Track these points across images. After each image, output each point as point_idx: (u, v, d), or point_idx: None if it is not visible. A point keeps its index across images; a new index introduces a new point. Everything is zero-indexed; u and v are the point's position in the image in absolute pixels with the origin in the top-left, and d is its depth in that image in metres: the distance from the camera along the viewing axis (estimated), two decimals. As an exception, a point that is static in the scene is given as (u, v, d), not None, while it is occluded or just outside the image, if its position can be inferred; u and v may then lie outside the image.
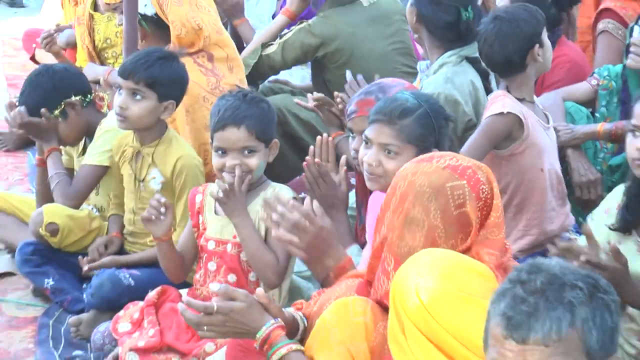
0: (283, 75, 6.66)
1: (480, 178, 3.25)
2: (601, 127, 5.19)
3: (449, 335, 2.91)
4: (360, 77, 5.18)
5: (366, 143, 4.08)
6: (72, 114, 5.45)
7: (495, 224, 3.26)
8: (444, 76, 5.08)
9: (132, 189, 5.22)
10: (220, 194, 4.40)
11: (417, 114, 4.03)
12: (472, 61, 5.20)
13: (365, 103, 4.42)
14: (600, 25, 5.96)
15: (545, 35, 4.86)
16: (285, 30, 6.30)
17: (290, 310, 3.64)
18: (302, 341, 3.55)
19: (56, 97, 5.42)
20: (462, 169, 3.26)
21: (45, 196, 5.46)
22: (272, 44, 6.11)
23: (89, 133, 5.50)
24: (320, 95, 5.26)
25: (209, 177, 5.21)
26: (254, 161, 4.43)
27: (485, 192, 3.24)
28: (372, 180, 4.06)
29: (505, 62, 4.82)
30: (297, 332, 3.58)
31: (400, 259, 3.25)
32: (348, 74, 5.21)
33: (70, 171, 5.55)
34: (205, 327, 3.40)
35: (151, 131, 5.12)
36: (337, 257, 3.85)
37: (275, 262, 4.40)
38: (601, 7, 6.04)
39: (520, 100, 4.82)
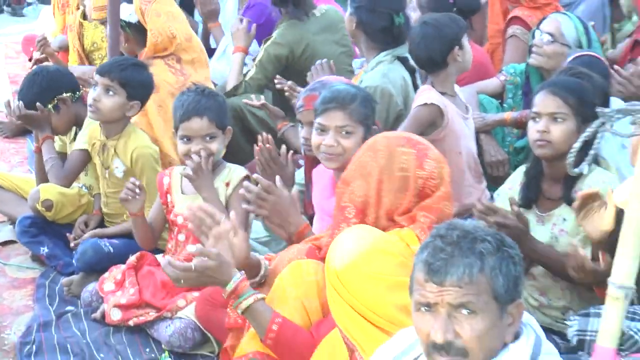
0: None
1: (429, 155, 3.28)
2: (508, 115, 5.24)
3: (357, 301, 2.96)
4: (325, 60, 5.27)
5: (322, 130, 4.06)
6: (63, 107, 5.41)
7: (445, 196, 3.28)
8: (381, 72, 5.07)
9: (102, 176, 5.25)
10: (190, 172, 4.40)
11: (361, 98, 4.06)
12: (402, 60, 5.20)
13: (310, 98, 4.40)
14: (510, 30, 5.99)
15: (465, 40, 4.88)
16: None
17: (256, 255, 3.73)
18: (262, 285, 3.63)
19: (50, 93, 5.37)
20: (417, 142, 3.32)
21: (41, 177, 5.42)
22: (249, 70, 5.98)
23: (78, 123, 5.45)
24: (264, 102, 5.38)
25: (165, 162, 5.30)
26: (214, 146, 4.47)
27: (430, 168, 3.25)
28: (331, 160, 4.06)
29: (429, 59, 4.82)
30: (257, 275, 3.64)
31: (356, 206, 3.30)
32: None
33: (63, 155, 5.49)
34: (182, 281, 3.45)
35: (115, 126, 5.12)
36: (297, 224, 3.87)
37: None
38: (511, 15, 6.08)
39: (443, 93, 4.83)
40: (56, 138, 5.55)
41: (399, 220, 3.24)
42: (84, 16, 7.19)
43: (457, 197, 4.76)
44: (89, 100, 5.02)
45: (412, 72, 5.21)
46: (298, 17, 5.97)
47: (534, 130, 3.89)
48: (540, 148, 3.87)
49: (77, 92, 5.47)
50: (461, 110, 4.90)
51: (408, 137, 3.36)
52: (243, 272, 3.48)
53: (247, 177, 4.51)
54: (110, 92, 5.00)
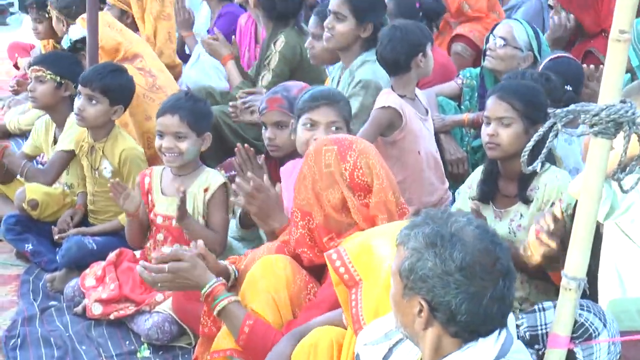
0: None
1: (353, 148, 3.31)
2: (466, 116, 5.26)
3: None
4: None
5: (311, 126, 4.07)
6: (60, 90, 5.44)
7: (386, 188, 3.30)
8: (371, 69, 5.05)
9: (90, 176, 5.22)
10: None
11: (344, 97, 4.18)
12: None
13: (273, 100, 4.45)
14: (453, 48, 6.06)
15: (429, 49, 4.87)
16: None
17: (224, 262, 3.65)
18: (233, 287, 3.57)
19: (64, 69, 5.45)
20: (342, 139, 3.37)
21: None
22: (264, 75, 5.90)
23: (52, 109, 5.48)
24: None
25: (151, 160, 5.26)
26: (183, 145, 4.46)
27: (352, 159, 3.27)
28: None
29: (394, 62, 4.81)
30: (228, 279, 3.59)
31: (301, 209, 3.37)
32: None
33: (32, 158, 5.62)
34: (159, 284, 3.42)
35: (102, 129, 5.10)
36: (280, 221, 3.86)
37: (215, 237, 4.43)
38: (454, 33, 6.14)
39: (402, 96, 4.81)
40: (30, 141, 5.63)
41: (359, 222, 3.27)
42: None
43: (418, 195, 4.79)
44: (75, 110, 5.02)
45: None
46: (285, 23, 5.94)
47: (484, 133, 3.93)
48: (490, 150, 3.90)
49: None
50: (420, 113, 4.89)
51: (336, 136, 3.41)
52: (221, 278, 3.45)
53: (225, 185, 4.52)
54: (94, 101, 4.98)
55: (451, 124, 5.26)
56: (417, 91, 5.01)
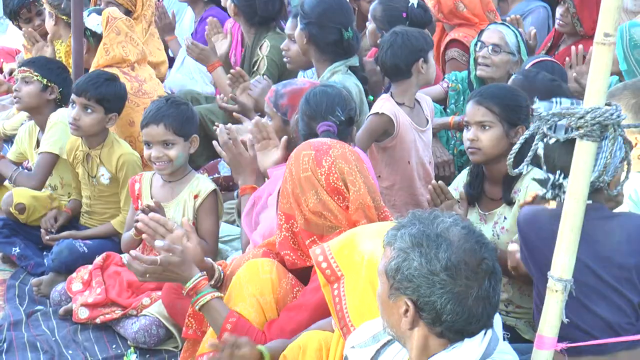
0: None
1: (330, 153, 3.32)
2: (452, 119, 5.24)
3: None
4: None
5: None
6: (45, 94, 5.40)
7: (365, 193, 3.29)
8: (338, 81, 4.96)
9: (87, 183, 5.19)
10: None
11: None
12: (354, 70, 5.16)
13: (270, 91, 4.47)
14: (449, 53, 5.96)
15: (431, 55, 4.80)
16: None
17: (210, 260, 3.68)
18: (218, 288, 3.60)
19: (50, 73, 5.40)
20: (322, 143, 3.38)
21: None
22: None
23: (34, 110, 5.44)
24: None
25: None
26: (173, 152, 4.47)
27: (327, 164, 3.29)
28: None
29: (394, 67, 4.75)
30: (212, 277, 3.61)
31: (285, 213, 3.40)
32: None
33: (14, 164, 5.54)
34: (147, 275, 3.43)
35: (97, 137, 5.08)
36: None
37: (206, 246, 4.38)
38: (448, 38, 6.05)
39: (400, 104, 4.78)
40: (14, 148, 5.59)
41: (340, 225, 3.28)
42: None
43: (405, 202, 4.78)
44: (69, 120, 4.98)
45: (363, 82, 5.18)
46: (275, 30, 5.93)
47: (465, 138, 3.93)
48: (472, 155, 3.90)
49: (63, 104, 5.38)
50: (417, 123, 4.85)
51: (317, 141, 3.41)
52: (205, 272, 3.46)
53: (214, 191, 4.52)
54: (89, 110, 4.96)
55: (437, 127, 5.22)
56: (423, 99, 4.98)
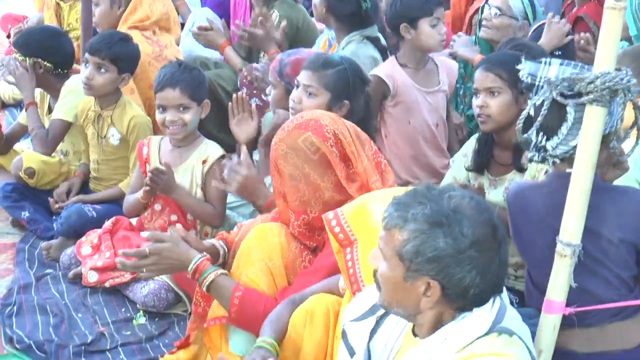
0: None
1: (322, 123, 3.30)
2: (478, 57, 5.13)
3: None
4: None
5: (296, 87, 4.09)
6: (37, 70, 5.34)
7: (366, 153, 3.29)
8: (350, 51, 5.04)
9: (95, 144, 5.19)
10: (147, 187, 4.41)
11: (338, 69, 4.02)
12: (372, 40, 5.18)
13: (275, 59, 4.51)
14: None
15: (423, 22, 4.73)
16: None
17: (210, 241, 3.62)
18: (224, 264, 3.56)
19: (32, 50, 5.33)
20: (304, 123, 3.33)
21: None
22: (264, 54, 5.86)
23: (47, 89, 5.44)
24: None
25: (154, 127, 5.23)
26: (188, 116, 4.48)
27: (331, 131, 3.26)
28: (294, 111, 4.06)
29: (389, 24, 4.85)
30: (218, 256, 3.56)
31: (299, 211, 3.34)
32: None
33: (25, 128, 5.55)
34: (144, 269, 3.37)
35: (110, 97, 5.09)
36: (265, 196, 3.94)
37: (213, 210, 4.48)
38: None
39: (402, 65, 4.81)
40: (23, 110, 5.57)
41: (355, 194, 3.23)
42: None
43: (407, 164, 4.83)
44: (82, 79, 5.00)
45: (383, 51, 5.18)
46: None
47: (475, 105, 3.91)
48: (482, 124, 3.89)
49: (62, 70, 5.38)
50: (422, 84, 4.86)
51: (294, 124, 3.32)
52: (205, 253, 3.40)
53: (222, 157, 4.52)
54: (102, 70, 4.97)
55: (462, 58, 5.27)
56: (444, 63, 4.98)
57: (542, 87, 2.83)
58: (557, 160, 2.79)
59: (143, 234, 3.42)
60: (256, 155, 4.81)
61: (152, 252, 3.31)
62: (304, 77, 4.03)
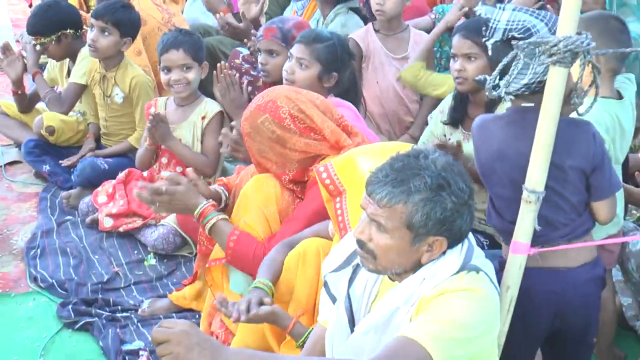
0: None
1: (279, 105, 3.30)
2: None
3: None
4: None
5: (290, 59, 4.05)
6: (64, 41, 5.32)
7: (325, 120, 3.27)
8: (340, 23, 5.08)
9: (102, 103, 5.24)
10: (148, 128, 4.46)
11: (327, 43, 3.99)
12: (355, 11, 5.19)
13: (268, 30, 4.41)
14: None
15: None
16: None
17: (215, 186, 3.65)
18: (225, 207, 3.57)
19: (56, 27, 5.28)
20: (263, 105, 3.34)
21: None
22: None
23: (71, 56, 5.41)
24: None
25: (159, 87, 5.24)
26: (191, 75, 4.51)
27: (287, 112, 3.27)
28: (287, 82, 4.03)
29: None
30: (220, 200, 3.59)
31: (279, 173, 3.36)
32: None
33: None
34: (157, 204, 3.39)
35: (113, 60, 5.13)
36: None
37: (206, 161, 4.49)
38: None
39: (376, 30, 4.87)
40: (46, 74, 5.56)
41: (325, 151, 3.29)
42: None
43: (377, 121, 4.86)
44: (88, 41, 5.03)
45: (364, 19, 5.18)
46: None
47: (453, 69, 3.91)
48: (459, 85, 3.88)
49: (79, 31, 5.39)
50: (391, 49, 4.89)
51: (253, 107, 3.33)
52: (211, 200, 3.45)
53: (220, 113, 4.55)
54: (106, 33, 5.01)
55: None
56: (417, 34, 4.97)
57: (495, 29, 2.87)
58: (512, 97, 2.81)
59: (164, 174, 3.46)
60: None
61: (167, 192, 3.35)
62: (296, 49, 4.01)
